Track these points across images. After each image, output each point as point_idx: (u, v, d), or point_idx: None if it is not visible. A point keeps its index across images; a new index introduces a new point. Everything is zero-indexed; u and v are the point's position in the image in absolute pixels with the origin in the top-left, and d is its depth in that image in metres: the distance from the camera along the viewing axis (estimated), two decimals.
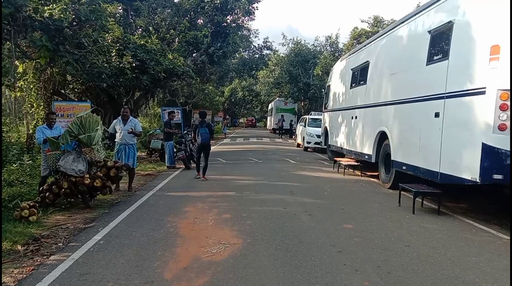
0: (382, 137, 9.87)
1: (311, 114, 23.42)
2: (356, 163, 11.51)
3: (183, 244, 5.01)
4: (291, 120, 36.48)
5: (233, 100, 59.87)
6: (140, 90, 16.60)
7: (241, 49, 34.37)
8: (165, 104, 28.67)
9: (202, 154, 10.51)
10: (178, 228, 5.70)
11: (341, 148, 13.34)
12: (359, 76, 11.84)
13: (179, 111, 26.37)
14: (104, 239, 5.23)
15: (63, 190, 6.84)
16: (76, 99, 15.85)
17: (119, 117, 8.45)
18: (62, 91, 15.71)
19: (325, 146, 16.66)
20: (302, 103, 39.17)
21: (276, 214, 6.48)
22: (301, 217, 6.34)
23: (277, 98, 42.22)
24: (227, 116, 48.44)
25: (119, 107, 16.55)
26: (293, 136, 33.47)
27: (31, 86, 14.05)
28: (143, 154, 17.28)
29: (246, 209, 6.86)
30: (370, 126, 10.58)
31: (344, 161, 11.94)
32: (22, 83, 14.05)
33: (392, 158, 9.00)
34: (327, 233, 5.49)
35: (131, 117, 8.41)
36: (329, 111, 15.39)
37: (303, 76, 34.47)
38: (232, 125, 54.99)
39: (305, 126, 21.06)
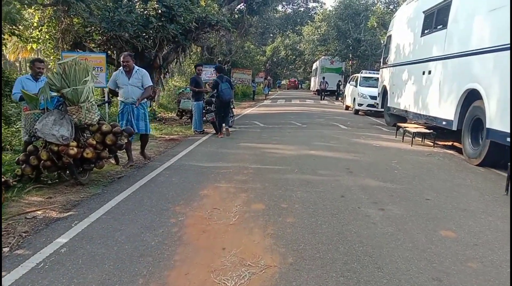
0: (470, 97, 7.41)
1: (362, 73, 20.70)
2: (428, 131, 9.11)
3: (183, 262, 3.10)
4: (339, 81, 33.51)
5: (275, 60, 56.99)
6: (169, 42, 14.64)
7: None
8: (203, 62, 26.80)
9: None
10: (185, 228, 3.80)
11: (406, 111, 10.89)
12: (436, 19, 9.19)
13: (214, 69, 24.59)
14: (69, 246, 3.42)
15: (41, 162, 5.11)
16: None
17: (120, 68, 6.48)
18: (85, 43, 14.05)
19: (382, 109, 14.18)
20: (350, 62, 35.98)
21: (331, 207, 4.42)
22: (369, 213, 4.24)
23: (322, 57, 39.14)
24: (269, 77, 45.86)
25: (148, 63, 14.88)
26: (340, 98, 30.79)
27: (47, 37, 12.42)
28: (173, 115, 15.65)
29: (286, 195, 4.85)
30: (451, 83, 8.09)
31: (411, 127, 9.56)
32: (38, 33, 12.44)
33: (486, 126, 6.60)
34: (418, 248, 3.39)
35: (136, 68, 6.41)
36: (390, 67, 12.80)
37: (353, 31, 31.19)
38: (274, 86, 52.39)
39: (356, 86, 18.49)
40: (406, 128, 9.52)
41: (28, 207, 4.51)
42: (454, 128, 7.91)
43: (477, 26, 7.25)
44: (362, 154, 7.63)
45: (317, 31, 37.22)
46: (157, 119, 14.13)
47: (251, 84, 30.04)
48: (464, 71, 7.56)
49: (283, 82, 68.15)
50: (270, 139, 9.59)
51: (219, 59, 27.78)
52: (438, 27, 8.93)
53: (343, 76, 36.29)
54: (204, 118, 10.64)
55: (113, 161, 6.54)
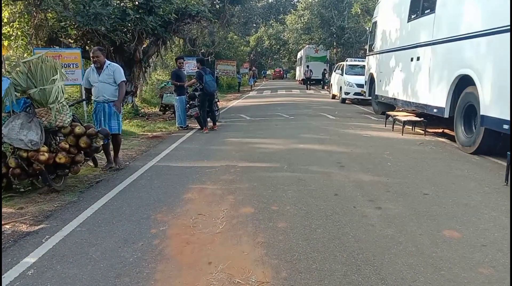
0: (461, 84, 7.17)
1: (347, 61, 20.44)
2: (418, 119, 8.87)
3: (164, 283, 2.76)
4: (324, 69, 33.20)
5: (259, 50, 56.38)
6: (148, 35, 14.13)
7: None
8: (185, 54, 26.23)
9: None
10: (167, 240, 3.46)
11: (394, 99, 10.65)
12: (423, 3, 8.91)
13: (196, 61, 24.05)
14: (37, 267, 3.05)
15: (10, 169, 4.70)
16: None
17: (92, 65, 6.01)
18: (61, 39, 13.44)
19: (369, 97, 13.95)
20: (335, 50, 35.69)
21: (325, 208, 4.12)
22: (366, 213, 3.96)
23: (306, 46, 38.78)
24: (253, 67, 45.35)
25: (128, 57, 14.35)
26: (326, 87, 30.56)
27: (19, 33, 11.81)
28: (156, 110, 15.19)
29: (276, 196, 4.54)
30: (442, 69, 7.84)
31: (401, 115, 9.32)
32: (9, 29, 11.82)
33: (481, 113, 6.36)
34: (423, 253, 3.11)
35: (108, 63, 5.91)
36: (377, 54, 12.52)
37: (337, 19, 30.87)
38: (260, 77, 51.80)
39: (342, 75, 18.21)
40: (396, 117, 9.29)
41: None
42: (446, 115, 7.68)
43: (468, 9, 6.98)
44: (353, 146, 7.35)
45: (300, 19, 36.79)
46: (140, 115, 13.67)
47: (236, 75, 29.58)
48: (454, 56, 7.30)
49: (268, 72, 67.68)
50: (258, 132, 9.26)
51: (202, 51, 27.26)
52: (426, 11, 8.65)
53: (328, 64, 36.02)
54: (188, 113, 10.24)
55: (91, 164, 6.15)
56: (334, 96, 20.24)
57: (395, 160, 6.21)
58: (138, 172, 5.84)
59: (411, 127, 9.28)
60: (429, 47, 8.40)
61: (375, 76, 12.74)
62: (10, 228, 3.91)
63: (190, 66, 22.74)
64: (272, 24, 49.37)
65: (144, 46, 15.24)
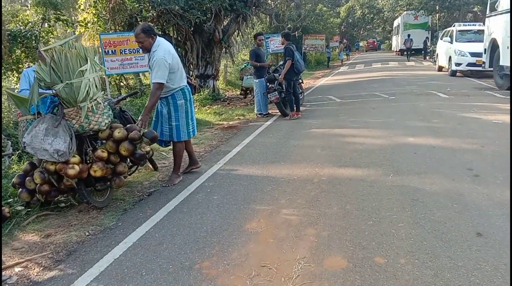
0: None
1: (456, 26, 17.32)
2: None
3: None
4: (426, 37, 29.44)
5: (350, 21, 52.69)
6: (226, 12, 12.98)
7: None
8: (272, 31, 24.89)
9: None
10: None
11: None
12: None
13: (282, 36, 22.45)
14: None
15: (37, 185, 3.81)
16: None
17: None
18: (138, 22, 12.91)
19: (490, 69, 11.29)
20: (437, 15, 31.45)
21: (465, 263, 2.51)
22: None
23: (404, 13, 34.85)
24: (344, 40, 42.30)
25: (208, 37, 13.40)
26: (428, 57, 27.05)
27: (95, 19, 11.40)
28: (237, 93, 14.18)
29: (381, 233, 3.00)
30: None
31: None
32: (86, 15, 11.48)
33: None
34: None
35: (155, 46, 4.59)
36: (504, 13, 9.86)
37: None
38: (352, 50, 48.26)
39: (451, 42, 15.34)
40: None
41: (10, 257, 3.23)
42: None
43: None
44: (482, 139, 5.40)
45: None
46: (221, 99, 12.75)
47: (325, 50, 27.50)
48: None
49: (361, 44, 63.38)
50: (350, 120, 7.61)
51: (289, 26, 25.54)
52: None
53: (429, 32, 31.99)
54: (268, 98, 8.90)
55: (151, 166, 5.17)
56: (440, 68, 17.37)
57: None
58: (199, 180, 4.68)
59: None
60: None
61: (499, 42, 10.09)
62: (19, 273, 2.96)
63: (275, 44, 21.37)
64: None
65: (225, 25, 14.18)
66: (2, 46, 9.33)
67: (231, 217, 3.54)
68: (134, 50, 8.65)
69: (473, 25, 17.64)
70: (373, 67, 23.30)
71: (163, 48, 4.42)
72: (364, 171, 4.47)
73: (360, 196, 3.75)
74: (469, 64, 14.08)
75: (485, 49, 11.40)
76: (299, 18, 27.00)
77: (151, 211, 3.87)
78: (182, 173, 4.91)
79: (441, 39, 17.54)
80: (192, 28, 12.38)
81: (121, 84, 13.40)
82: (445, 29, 19.19)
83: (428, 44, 28.23)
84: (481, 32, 15.18)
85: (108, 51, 8.43)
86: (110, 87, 12.75)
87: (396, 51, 38.56)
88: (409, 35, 29.10)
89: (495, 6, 10.38)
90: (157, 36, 4.55)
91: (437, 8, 29.97)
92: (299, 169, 4.73)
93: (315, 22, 29.70)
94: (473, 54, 13.85)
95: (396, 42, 38.70)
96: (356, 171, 4.49)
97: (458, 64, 14.47)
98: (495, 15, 10.50)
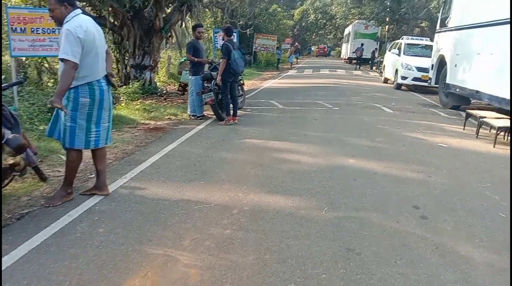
0: None
1: (404, 39, 17.39)
2: None
3: None
4: (375, 48, 29.85)
5: (303, 24, 52.88)
6: (171, 1, 11.90)
7: None
8: (224, 26, 23.91)
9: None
10: None
11: (477, 92, 7.90)
12: None
13: (234, 34, 21.59)
14: None
15: None
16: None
17: None
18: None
19: (436, 85, 11.15)
20: (387, 27, 32.06)
21: None
22: None
23: (356, 21, 35.27)
24: (296, 43, 42.17)
25: (148, 25, 12.23)
26: (375, 67, 27.39)
27: None
28: (174, 87, 13.19)
29: None
30: None
31: (492, 117, 6.67)
32: None
33: None
34: None
35: (67, 18, 3.47)
36: (454, 30, 9.65)
37: None
38: (302, 53, 48.24)
39: (399, 55, 15.27)
40: (484, 119, 6.63)
41: None
42: None
43: None
44: (429, 167, 4.86)
45: None
46: (158, 94, 11.66)
47: (275, 51, 26.97)
48: None
49: (313, 48, 63.95)
50: (289, 131, 6.90)
51: (241, 22, 24.70)
52: None
53: (378, 42, 32.58)
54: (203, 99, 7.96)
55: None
56: (386, 80, 17.36)
57: (507, 201, 3.71)
58: (89, 201, 3.67)
59: (502, 135, 6.59)
60: None
61: (447, 59, 9.90)
62: None
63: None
64: None
65: (168, 13, 13.07)
66: None
67: (110, 265, 2.62)
68: (48, 30, 7.35)
69: (420, 39, 17.81)
70: (321, 73, 23.05)
71: (78, 21, 3.36)
72: (295, 201, 3.72)
73: (285, 239, 2.98)
74: (414, 79, 14.03)
75: (432, 65, 11.23)
76: (252, 16, 26.26)
77: (8, 247, 2.85)
78: (81, 192, 3.88)
79: (389, 51, 17.53)
80: (130, 13, 11.19)
81: (43, 68, 11.85)
82: (394, 41, 19.27)
83: (376, 54, 28.61)
84: (428, 47, 15.26)
85: (15, 28, 7.10)
86: (30, 70, 11.25)
87: (344, 59, 39.02)
88: (362, 44, 29.45)
89: (446, 22, 10.17)
90: (75, 8, 3.46)
91: (387, 20, 30.51)
92: (220, 193, 3.89)
93: (268, 22, 29.11)
94: (420, 69, 13.83)
95: (346, 49, 39.18)
96: (286, 200, 3.73)
97: (404, 78, 14.38)
98: (445, 31, 10.31)
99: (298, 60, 35.85)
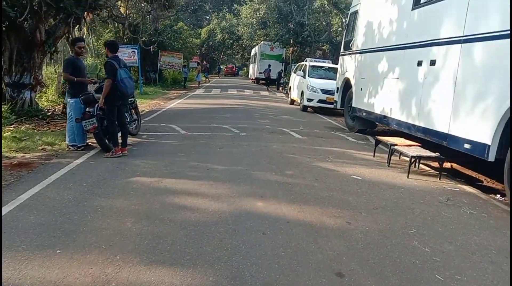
0: None
1: (307, 61, 17.59)
2: (433, 154, 5.93)
3: None
4: (281, 70, 30.37)
5: (211, 43, 52.53)
6: (52, 10, 10.32)
7: None
8: (125, 42, 22.33)
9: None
10: None
11: (385, 117, 7.72)
12: None
13: (135, 50, 20.17)
14: None
15: None
16: None
17: None
18: None
19: (341, 109, 11.05)
20: (291, 49, 32.91)
21: None
22: None
23: (262, 42, 35.78)
24: (205, 62, 41.45)
25: (27, 38, 10.49)
26: (281, 88, 27.73)
27: None
28: (58, 107, 11.57)
29: None
30: (486, 84, 4.92)
31: (402, 144, 6.40)
32: None
33: None
34: None
35: None
36: (358, 53, 9.57)
37: (296, 14, 28.00)
38: (211, 72, 47.61)
39: (304, 77, 15.24)
40: (396, 148, 6.33)
41: None
42: (491, 158, 4.78)
43: None
44: (347, 210, 4.23)
45: (256, 14, 33.63)
46: (40, 116, 9.98)
47: (182, 69, 25.98)
48: None
49: (222, 67, 63.93)
50: (190, 164, 5.92)
51: (143, 39, 23.24)
52: None
53: (283, 64, 33.31)
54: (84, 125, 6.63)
55: None
56: (293, 101, 17.29)
57: (440, 255, 3.15)
58: None
59: (413, 163, 6.32)
60: (456, 47, 5.49)
61: (352, 82, 9.80)
62: None
63: (125, 55, 19.02)
64: (226, 16, 46.02)
65: (52, 25, 11.41)
66: None
67: None
68: None
69: (323, 61, 18.16)
70: (229, 93, 22.50)
71: None
72: (186, 277, 2.74)
73: None
74: (320, 101, 14.02)
75: (337, 88, 11.13)
76: (155, 32, 24.99)
77: None
78: None
79: (295, 72, 17.55)
80: (5, 24, 9.43)
81: None
82: (299, 63, 19.43)
83: (282, 75, 29.06)
84: (331, 69, 15.50)
85: None
86: None
87: (252, 79, 39.27)
88: (269, 65, 29.88)
89: (350, 45, 10.10)
90: None
91: (291, 42, 31.25)
92: (80, 270, 2.77)
93: (173, 39, 28.01)
94: (324, 91, 13.87)
95: (253, 70, 39.51)
96: (174, 277, 2.74)
97: (309, 100, 14.30)
98: (349, 54, 10.24)
99: (207, 79, 35.19)
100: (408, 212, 4.29)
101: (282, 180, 5.17)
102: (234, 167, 5.80)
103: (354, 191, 4.93)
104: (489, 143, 4.71)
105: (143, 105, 13.75)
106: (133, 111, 7.85)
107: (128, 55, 19.68)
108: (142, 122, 8.67)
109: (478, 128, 4.93)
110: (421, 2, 6.60)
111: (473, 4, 5.18)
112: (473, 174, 6.71)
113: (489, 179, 6.44)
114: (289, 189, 4.79)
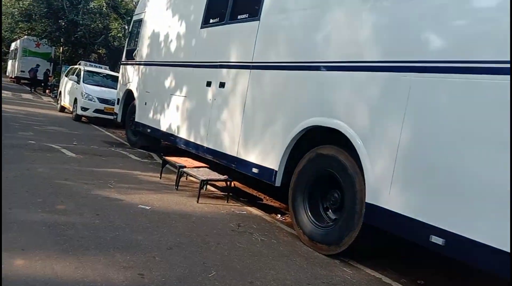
0: (310, 139, 4.60)
1: (82, 64, 15.93)
2: (222, 177, 5.81)
3: None
4: (47, 69, 26.81)
5: None
6: None
7: None
8: None
9: None
10: None
11: (173, 135, 7.30)
12: (235, 3, 6.04)
13: None
14: None
15: None
16: None
17: None
18: None
19: (120, 122, 10.16)
20: (61, 48, 29.52)
21: None
22: None
23: (25, 37, 30.95)
24: None
25: None
26: (48, 90, 24.45)
27: None
28: None
29: None
30: (275, 110, 5.06)
31: (191, 166, 6.10)
32: None
33: (367, 200, 3.89)
34: None
35: None
36: (142, 65, 8.89)
37: (69, 12, 25.16)
38: None
39: (78, 82, 13.56)
40: (186, 170, 5.98)
41: None
42: (278, 183, 4.92)
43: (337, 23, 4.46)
44: (138, 255, 3.53)
45: (19, 3, 28.77)
46: None
47: None
48: (307, 93, 4.64)
49: None
50: None
51: None
52: (241, 16, 5.79)
53: (51, 63, 29.58)
54: None
55: None
56: (63, 108, 15.22)
57: None
58: None
59: (199, 184, 6.11)
60: (245, 72, 5.54)
61: (136, 95, 9.07)
62: None
63: None
64: None
65: None
66: None
67: None
68: None
69: (100, 67, 16.80)
70: None
71: None
72: None
73: None
74: (96, 111, 12.75)
75: (118, 99, 10.17)
76: None
77: None
78: None
79: (67, 76, 15.51)
80: None
81: None
82: (72, 66, 17.31)
83: (50, 76, 25.70)
84: (110, 77, 14.39)
85: None
86: None
87: (11, 78, 33.46)
88: (38, 65, 26.10)
89: (133, 54, 9.33)
90: None
91: (62, 41, 27.96)
92: None
93: None
94: (102, 100, 12.75)
95: (13, 67, 33.72)
96: None
97: (84, 109, 12.81)
98: (132, 64, 9.47)
99: None
100: (204, 248, 3.92)
101: (52, 220, 4.05)
102: None
103: (144, 226, 4.28)
104: (276, 169, 4.84)
105: None
106: None
107: None
108: None
109: (266, 154, 5.04)
110: (210, 21, 6.51)
111: (263, 33, 5.31)
112: (253, 192, 7.00)
113: (267, 197, 6.82)
114: (62, 234, 3.75)
